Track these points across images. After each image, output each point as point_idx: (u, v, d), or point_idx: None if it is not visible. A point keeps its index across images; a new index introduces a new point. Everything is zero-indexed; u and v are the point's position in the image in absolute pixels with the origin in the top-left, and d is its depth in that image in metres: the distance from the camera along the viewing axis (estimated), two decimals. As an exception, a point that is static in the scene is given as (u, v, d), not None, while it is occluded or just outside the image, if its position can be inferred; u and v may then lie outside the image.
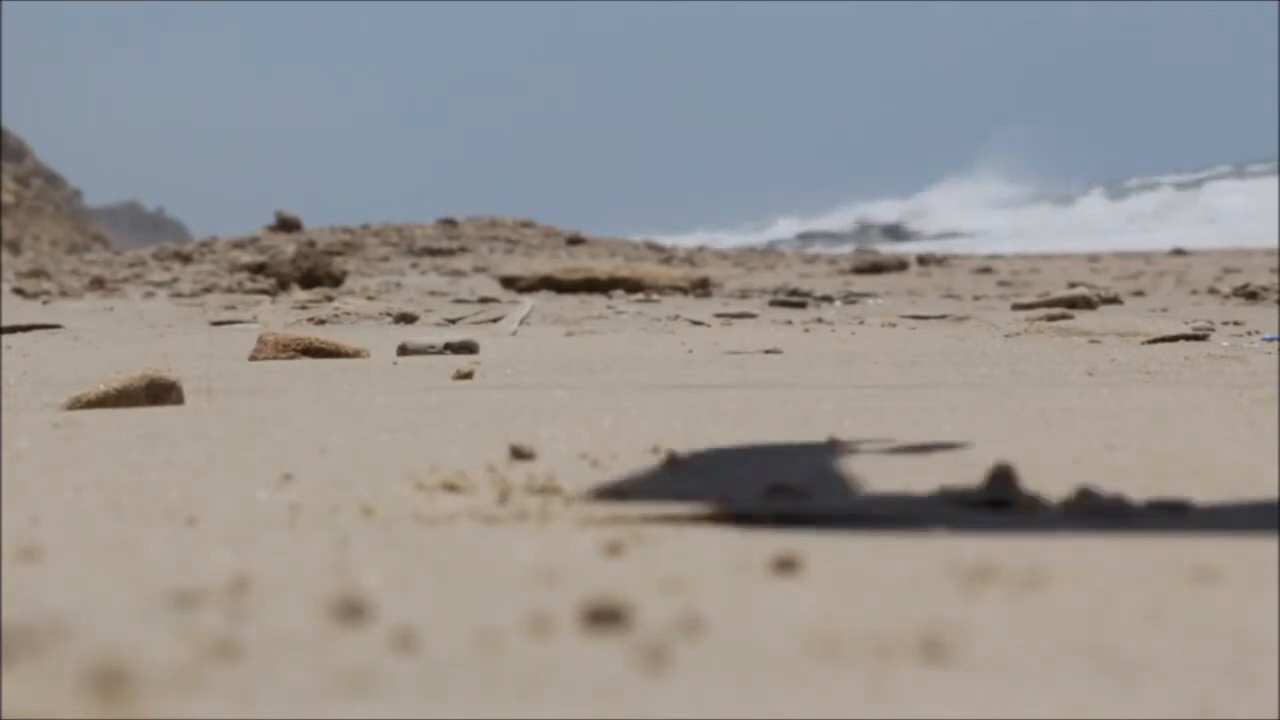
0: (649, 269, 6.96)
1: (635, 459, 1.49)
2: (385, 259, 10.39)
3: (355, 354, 2.96)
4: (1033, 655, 0.82)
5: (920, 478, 1.37)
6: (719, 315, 4.63)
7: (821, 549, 1.09)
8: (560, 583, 0.98)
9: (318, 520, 1.23)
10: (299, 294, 6.25)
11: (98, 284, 8.04)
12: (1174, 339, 3.16)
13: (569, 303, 5.57)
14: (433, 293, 6.70)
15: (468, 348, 3.00)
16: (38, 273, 9.48)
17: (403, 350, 3.02)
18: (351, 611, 0.89)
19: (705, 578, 1.00)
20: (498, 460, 1.48)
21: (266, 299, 5.93)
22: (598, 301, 5.64)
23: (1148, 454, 1.50)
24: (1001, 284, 7.25)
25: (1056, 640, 0.85)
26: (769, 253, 15.94)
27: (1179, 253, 12.33)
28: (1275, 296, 5.52)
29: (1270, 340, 3.21)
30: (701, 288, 6.62)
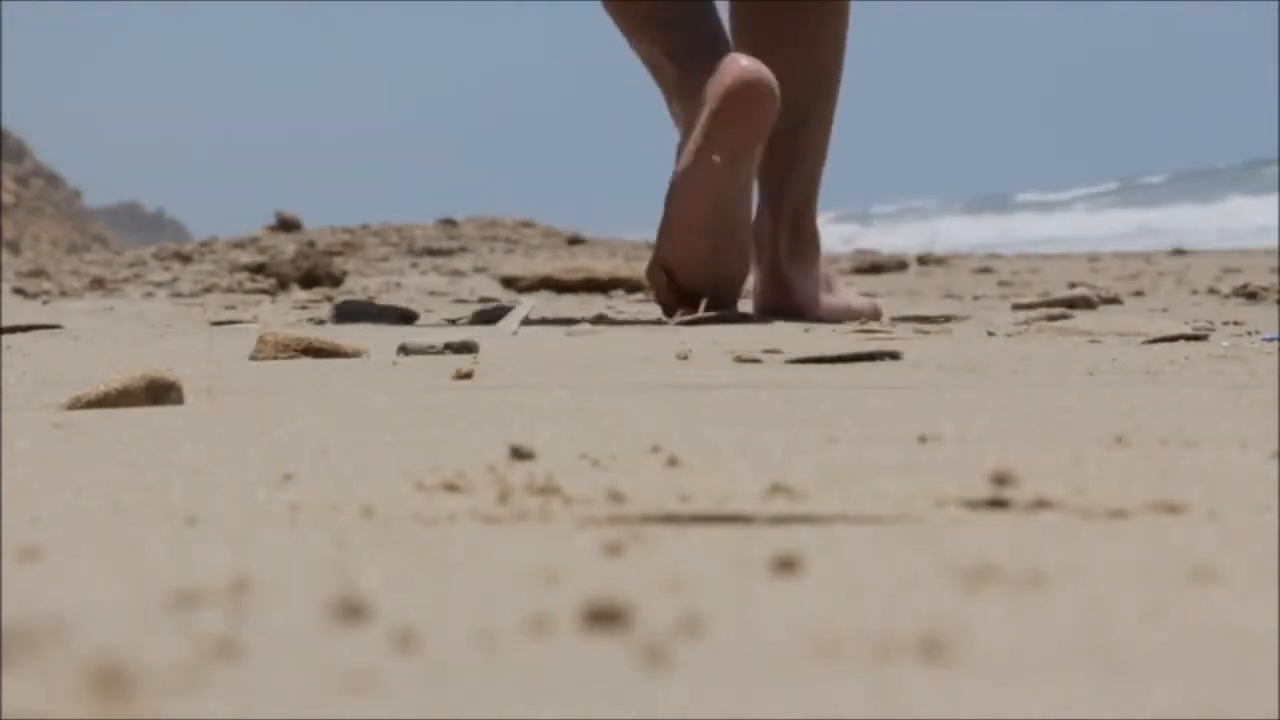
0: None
1: (635, 459, 1.49)
2: (385, 259, 10.39)
3: (355, 354, 2.96)
4: (1033, 655, 0.82)
5: (920, 478, 1.37)
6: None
7: (821, 549, 1.09)
8: (560, 583, 0.99)
9: (318, 520, 1.23)
10: (299, 294, 6.25)
11: (98, 284, 8.04)
12: (1174, 339, 3.16)
13: (569, 302, 5.57)
14: (433, 293, 6.70)
15: (468, 348, 3.00)
16: (38, 273, 9.48)
17: (403, 350, 3.02)
18: (351, 611, 0.89)
19: (705, 578, 1.00)
20: (498, 460, 1.48)
21: (266, 299, 5.92)
22: (598, 301, 5.64)
23: (1148, 454, 1.50)
24: (1002, 284, 7.25)
25: (1056, 640, 0.85)
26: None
27: (1179, 253, 12.32)
28: (1275, 296, 5.52)
29: (1270, 340, 3.21)
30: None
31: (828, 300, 3.74)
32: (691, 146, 3.29)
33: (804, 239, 3.66)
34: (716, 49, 3.30)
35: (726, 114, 3.23)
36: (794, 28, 3.48)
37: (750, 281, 3.65)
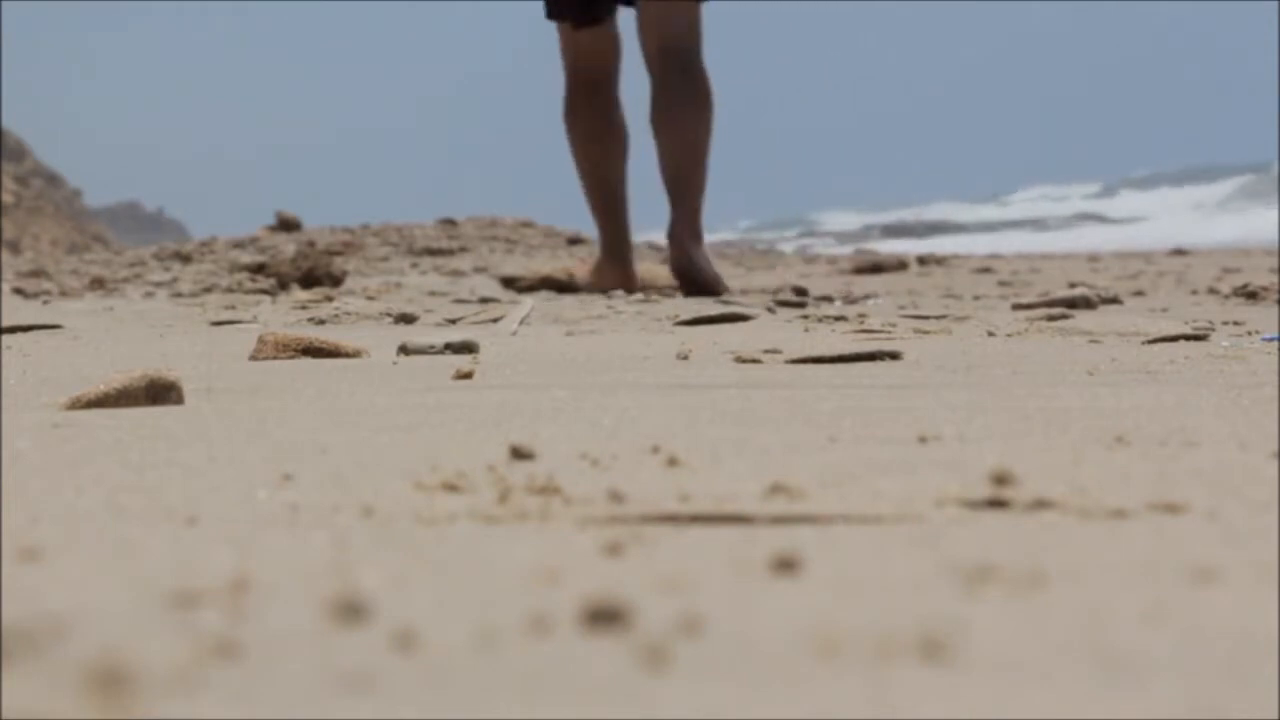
0: (649, 268, 6.95)
1: (635, 459, 1.49)
2: (385, 259, 10.39)
3: (355, 354, 2.96)
4: (1033, 655, 0.82)
5: (920, 478, 1.37)
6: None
7: (821, 549, 1.09)
8: (560, 583, 0.99)
9: (318, 520, 1.23)
10: (299, 294, 6.24)
11: (98, 284, 8.04)
12: (1174, 339, 3.16)
13: (569, 303, 5.58)
14: (433, 293, 6.71)
15: (468, 348, 3.00)
16: (38, 273, 9.48)
17: (403, 350, 3.02)
18: (351, 611, 0.89)
19: (705, 578, 1.00)
20: (498, 460, 1.48)
21: (266, 299, 5.92)
22: (598, 301, 5.65)
23: (1148, 454, 1.50)
24: (1002, 284, 7.26)
25: (1056, 640, 0.85)
26: (769, 253, 15.93)
27: (1179, 253, 12.33)
28: (1275, 296, 5.52)
29: (1270, 340, 3.21)
30: (701, 287, 6.63)
31: (713, 268, 6.56)
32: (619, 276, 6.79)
33: (695, 231, 6.53)
34: (621, 248, 6.75)
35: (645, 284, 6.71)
36: (682, 124, 6.57)
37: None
